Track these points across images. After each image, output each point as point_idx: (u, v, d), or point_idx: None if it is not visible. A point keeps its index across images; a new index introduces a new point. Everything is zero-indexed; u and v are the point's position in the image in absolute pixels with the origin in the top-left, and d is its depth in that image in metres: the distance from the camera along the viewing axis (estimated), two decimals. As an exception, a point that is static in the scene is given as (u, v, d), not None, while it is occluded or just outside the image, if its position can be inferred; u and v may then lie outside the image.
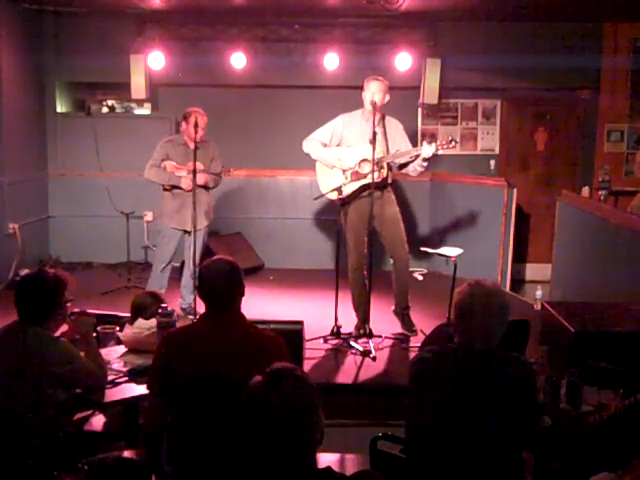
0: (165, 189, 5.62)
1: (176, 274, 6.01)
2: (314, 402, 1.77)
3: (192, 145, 5.43)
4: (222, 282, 2.67)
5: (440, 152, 5.03)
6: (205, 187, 5.57)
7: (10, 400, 2.69)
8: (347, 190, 5.11)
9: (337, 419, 4.02)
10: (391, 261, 5.38)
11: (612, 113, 7.68)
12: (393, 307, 5.44)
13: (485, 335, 2.46)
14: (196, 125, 5.16)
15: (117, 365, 3.23)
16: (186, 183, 5.45)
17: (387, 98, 5.09)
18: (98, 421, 3.38)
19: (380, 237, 5.23)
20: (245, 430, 1.75)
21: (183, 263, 5.84)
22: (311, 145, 5.26)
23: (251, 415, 1.74)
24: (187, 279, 5.70)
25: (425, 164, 5.12)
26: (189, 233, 5.51)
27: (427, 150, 4.98)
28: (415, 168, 5.17)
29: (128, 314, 3.87)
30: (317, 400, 1.78)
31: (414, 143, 6.37)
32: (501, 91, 7.76)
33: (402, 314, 5.38)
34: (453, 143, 4.99)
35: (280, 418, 1.72)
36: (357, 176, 5.12)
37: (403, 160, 5.15)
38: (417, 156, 5.07)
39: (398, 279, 5.33)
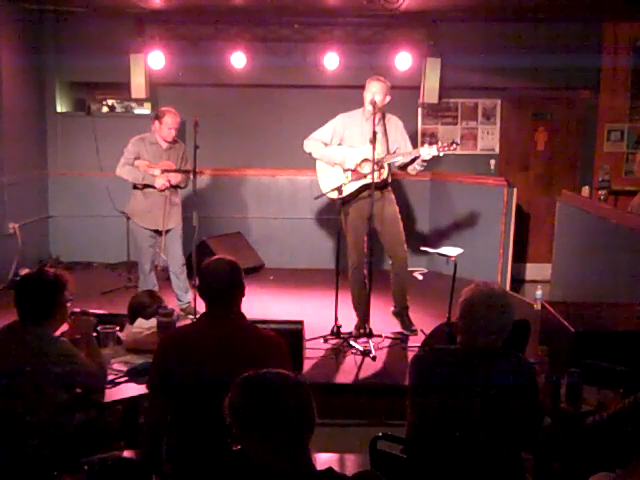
0: (136, 188, 5.59)
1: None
2: (296, 403, 1.78)
3: (164, 144, 5.52)
4: (223, 282, 2.67)
5: (442, 154, 5.02)
6: (177, 187, 5.57)
7: (10, 400, 2.69)
8: (347, 190, 5.11)
9: (337, 419, 4.02)
10: (390, 261, 5.39)
11: (612, 113, 7.68)
12: (392, 308, 5.44)
13: (486, 335, 2.47)
14: (196, 125, 5.15)
15: (117, 365, 3.24)
16: (160, 182, 5.45)
17: (388, 99, 5.08)
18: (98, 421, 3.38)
19: (379, 237, 5.23)
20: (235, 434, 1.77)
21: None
22: (312, 145, 5.26)
23: (234, 422, 1.76)
24: (176, 280, 5.70)
25: (425, 164, 5.13)
26: (163, 233, 5.52)
27: (427, 152, 4.97)
28: (415, 167, 5.17)
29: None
30: (300, 398, 1.78)
31: (414, 143, 6.37)
32: (501, 91, 7.76)
33: (401, 314, 5.38)
34: (454, 146, 4.96)
35: (262, 420, 1.73)
36: (357, 176, 5.12)
37: (402, 160, 5.15)
38: (417, 157, 5.07)
39: (397, 279, 5.34)
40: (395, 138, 5.22)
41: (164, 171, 5.46)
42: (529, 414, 2.46)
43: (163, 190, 5.47)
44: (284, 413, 1.73)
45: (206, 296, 2.71)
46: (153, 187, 5.48)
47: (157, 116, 5.54)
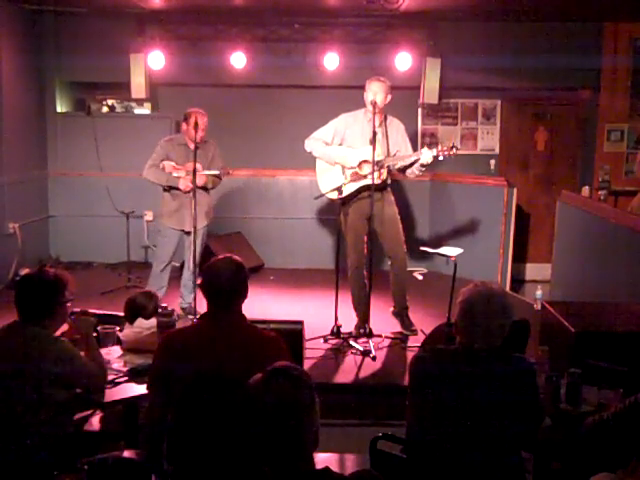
0: (164, 189, 5.62)
1: (176, 273, 6.01)
2: (309, 401, 1.77)
3: (192, 145, 5.47)
4: (225, 281, 2.66)
5: (441, 158, 5.02)
6: (204, 188, 5.57)
7: (10, 400, 2.69)
8: (347, 190, 5.11)
9: (337, 419, 4.02)
10: (389, 262, 5.39)
11: (612, 113, 7.68)
12: (392, 308, 5.45)
13: (486, 335, 2.47)
14: (196, 125, 5.15)
15: (117, 365, 3.23)
16: (184, 184, 5.45)
17: (389, 98, 5.08)
18: (98, 421, 3.38)
19: (379, 237, 5.23)
20: (243, 429, 1.76)
21: (184, 263, 5.84)
22: (313, 144, 5.26)
23: (249, 412, 1.75)
24: (186, 279, 5.71)
25: (424, 169, 5.12)
26: (188, 233, 5.52)
27: (427, 156, 4.97)
28: (413, 171, 5.17)
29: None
30: (313, 400, 1.78)
31: (414, 143, 6.37)
32: (501, 91, 7.76)
33: (401, 314, 5.38)
34: (454, 150, 4.95)
35: (276, 416, 1.72)
36: (357, 176, 5.12)
37: (402, 164, 5.15)
38: (417, 160, 5.07)
39: (396, 279, 5.34)
40: (396, 141, 5.22)
41: (189, 172, 5.44)
42: (529, 414, 2.46)
43: (188, 192, 5.46)
44: (293, 412, 1.73)
45: (209, 295, 2.70)
46: (179, 189, 5.49)
47: (185, 117, 5.52)
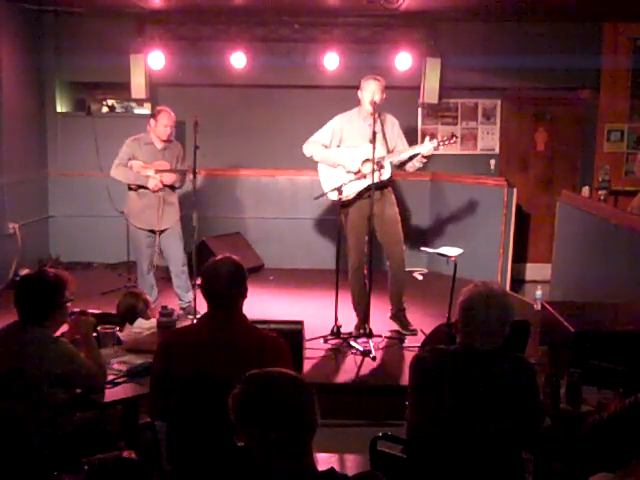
0: (130, 189, 5.60)
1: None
2: (309, 401, 1.78)
3: (159, 144, 5.49)
4: (225, 282, 2.66)
5: (441, 148, 5.05)
6: (172, 187, 5.56)
7: (10, 400, 2.69)
8: (349, 189, 5.10)
9: (337, 419, 4.02)
10: (387, 263, 5.39)
11: (612, 113, 7.67)
12: (389, 313, 5.43)
13: (486, 335, 2.47)
14: (196, 125, 5.14)
15: (117, 365, 3.23)
16: (152, 183, 5.45)
17: (384, 96, 5.10)
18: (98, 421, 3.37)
19: (378, 236, 5.23)
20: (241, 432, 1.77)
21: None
22: (312, 148, 5.25)
23: (238, 422, 1.76)
24: (177, 279, 5.70)
25: (424, 160, 5.15)
26: (158, 233, 5.52)
27: (427, 147, 5.00)
28: (414, 164, 5.19)
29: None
30: (312, 399, 1.78)
31: (414, 143, 6.36)
32: (501, 91, 7.76)
33: (398, 316, 5.38)
34: (454, 139, 5.05)
35: (277, 418, 1.73)
36: (359, 175, 5.12)
37: (403, 157, 5.16)
38: (418, 153, 5.09)
39: (394, 279, 5.34)
40: (392, 136, 5.23)
41: (158, 171, 5.45)
42: (529, 414, 2.46)
43: (156, 191, 5.47)
44: (284, 413, 1.73)
45: (207, 295, 2.70)
46: (147, 188, 5.48)
47: (153, 115, 5.56)
